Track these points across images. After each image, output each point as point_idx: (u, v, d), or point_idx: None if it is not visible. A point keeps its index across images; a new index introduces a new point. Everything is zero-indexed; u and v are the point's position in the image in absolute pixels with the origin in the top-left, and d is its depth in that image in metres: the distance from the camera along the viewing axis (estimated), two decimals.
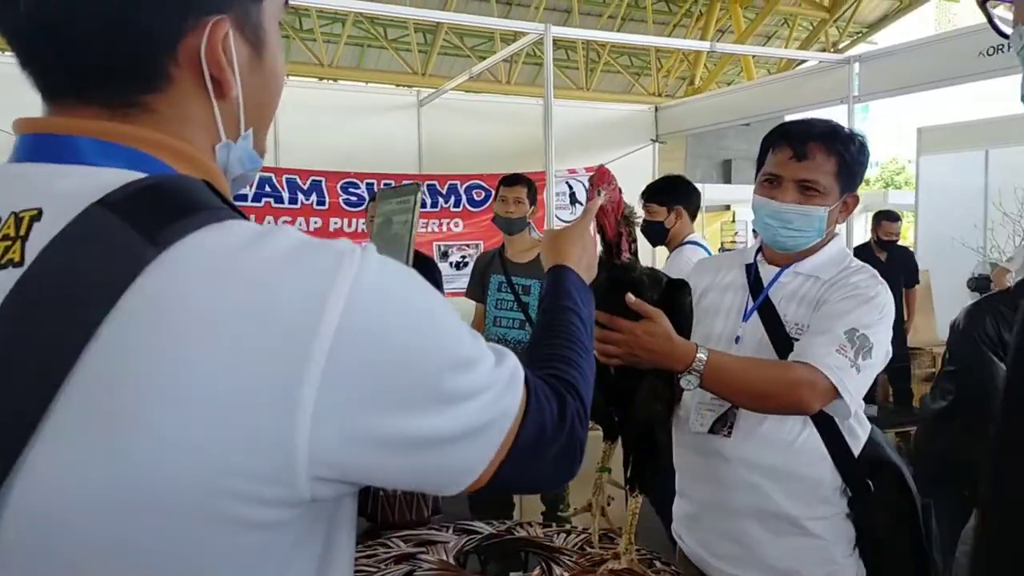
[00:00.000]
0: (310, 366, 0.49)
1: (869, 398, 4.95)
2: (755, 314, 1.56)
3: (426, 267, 3.50)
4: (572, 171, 5.88)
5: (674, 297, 1.54)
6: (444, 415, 0.55)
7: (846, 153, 1.51)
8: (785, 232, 1.53)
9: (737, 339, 1.58)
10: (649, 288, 1.47)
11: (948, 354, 2.64)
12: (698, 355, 1.38)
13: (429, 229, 5.51)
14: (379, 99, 5.75)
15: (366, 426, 0.52)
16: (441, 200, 5.51)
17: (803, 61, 7.01)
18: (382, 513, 3.34)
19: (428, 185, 5.46)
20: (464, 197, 5.55)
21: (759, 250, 1.66)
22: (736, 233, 15.29)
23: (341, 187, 5.17)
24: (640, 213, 1.52)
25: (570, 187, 5.87)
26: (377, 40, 13.23)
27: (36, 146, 0.58)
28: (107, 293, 0.48)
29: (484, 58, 14.27)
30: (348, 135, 5.25)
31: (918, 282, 5.61)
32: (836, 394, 1.38)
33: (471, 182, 5.54)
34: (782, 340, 1.51)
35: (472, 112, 5.80)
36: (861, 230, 5.67)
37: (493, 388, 0.59)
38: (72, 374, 0.47)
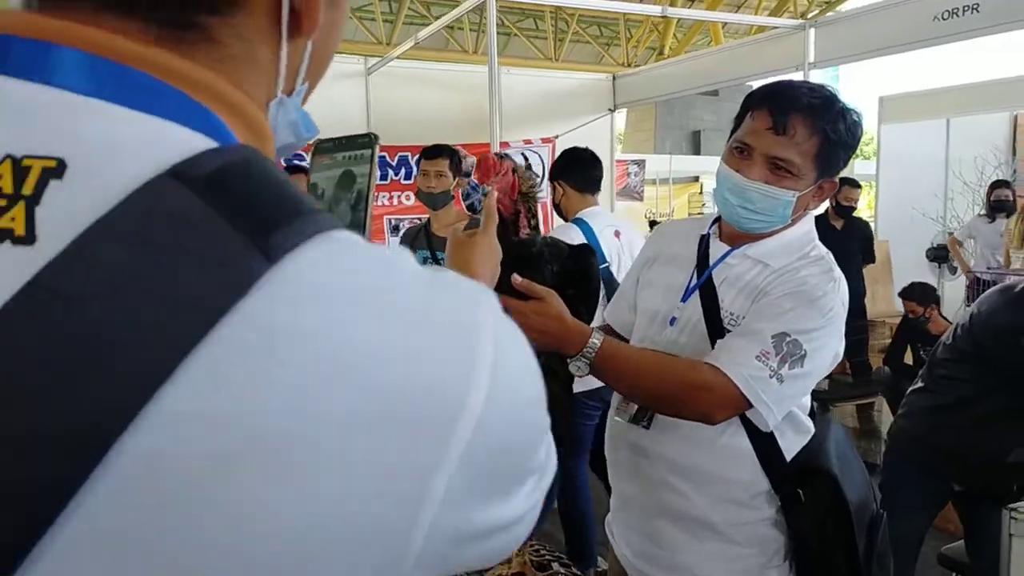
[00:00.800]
0: (451, 447, 0.37)
1: None
2: (696, 295, 1.42)
3: None
4: (528, 142, 5.75)
5: (583, 264, 1.43)
6: (538, 485, 0.46)
7: (832, 133, 1.31)
8: (744, 212, 1.37)
9: (672, 320, 1.44)
10: (549, 260, 1.37)
11: (973, 343, 2.38)
12: (591, 340, 1.26)
13: (380, 202, 5.35)
14: None
15: (480, 518, 0.41)
16: (391, 172, 5.35)
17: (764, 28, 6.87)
18: None
19: (379, 157, 5.29)
20: (415, 169, 5.38)
21: (716, 221, 1.49)
22: (704, 205, 15.30)
23: (285, 160, 5.00)
24: (541, 188, 1.39)
25: (525, 158, 5.72)
26: None
27: (37, 57, 0.38)
28: (201, 317, 0.33)
29: (453, 28, 14.02)
30: None
31: (873, 260, 5.47)
32: (748, 404, 1.26)
33: None
34: (717, 329, 1.38)
35: (423, 80, 5.62)
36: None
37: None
38: (134, 427, 0.31)
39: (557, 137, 5.78)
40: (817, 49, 4.51)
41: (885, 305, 6.03)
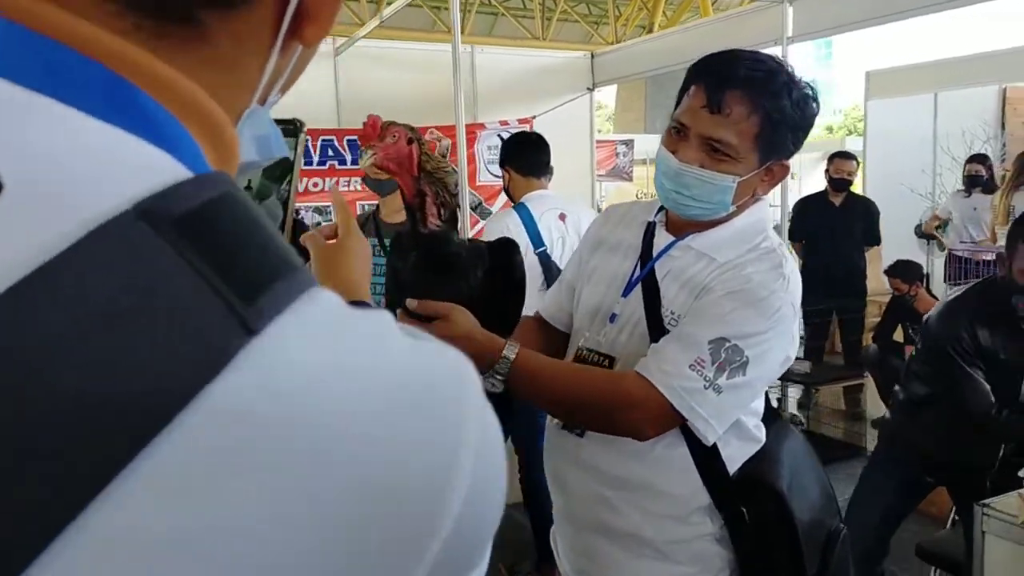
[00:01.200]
0: (433, 541, 0.32)
1: (804, 354, 4.75)
2: (638, 289, 1.30)
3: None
4: (504, 123, 5.61)
5: (504, 260, 1.30)
6: None
7: (775, 110, 1.17)
8: (679, 198, 1.24)
9: (612, 317, 1.32)
10: (471, 263, 1.24)
11: (925, 346, 2.44)
12: (504, 353, 1.15)
13: (352, 188, 5.22)
14: None
15: None
16: None
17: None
18: None
19: (348, 140, 5.15)
20: None
21: (664, 207, 1.36)
22: None
23: None
24: (448, 165, 1.26)
25: (502, 139, 5.59)
26: None
27: None
28: (161, 405, 0.27)
29: (440, 8, 13.80)
30: None
31: (878, 242, 5.25)
32: (682, 418, 1.15)
33: None
34: (657, 329, 1.25)
35: (395, 61, 5.48)
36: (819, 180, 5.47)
37: None
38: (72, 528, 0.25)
39: (535, 118, 5.64)
40: (796, 23, 4.37)
41: (875, 283, 5.93)
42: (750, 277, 1.20)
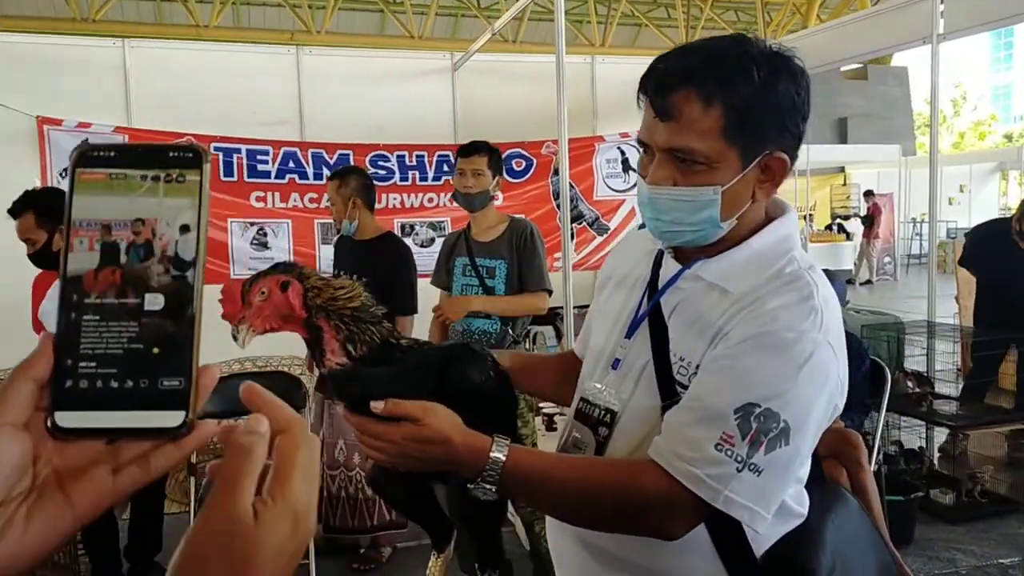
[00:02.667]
0: None
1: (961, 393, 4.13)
2: (644, 330, 1.10)
3: (394, 247, 3.20)
4: (625, 135, 5.39)
5: (456, 383, 1.05)
6: None
7: (734, 96, 0.96)
8: (661, 225, 1.06)
9: (616, 363, 1.13)
10: (410, 386, 1.01)
11: None
12: (492, 455, 0.97)
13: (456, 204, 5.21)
14: (408, 64, 5.43)
15: None
16: None
17: None
18: (325, 517, 3.09)
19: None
20: (504, 167, 5.19)
21: None
22: (848, 198, 14.11)
23: (370, 160, 4.93)
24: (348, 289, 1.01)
25: (622, 152, 5.39)
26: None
27: None
28: None
29: (582, 22, 13.70)
30: (376, 104, 5.00)
31: None
32: (714, 508, 0.95)
33: (512, 150, 5.17)
34: (666, 380, 1.05)
35: (513, 74, 5.41)
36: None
37: None
38: None
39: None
40: (947, 19, 3.91)
41: None
42: (775, 315, 0.97)
